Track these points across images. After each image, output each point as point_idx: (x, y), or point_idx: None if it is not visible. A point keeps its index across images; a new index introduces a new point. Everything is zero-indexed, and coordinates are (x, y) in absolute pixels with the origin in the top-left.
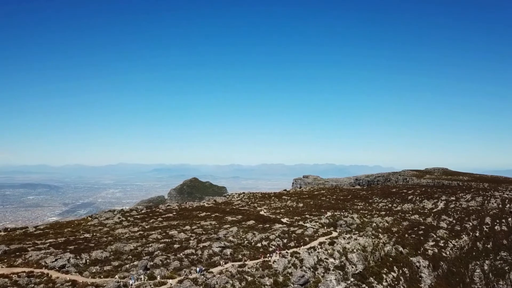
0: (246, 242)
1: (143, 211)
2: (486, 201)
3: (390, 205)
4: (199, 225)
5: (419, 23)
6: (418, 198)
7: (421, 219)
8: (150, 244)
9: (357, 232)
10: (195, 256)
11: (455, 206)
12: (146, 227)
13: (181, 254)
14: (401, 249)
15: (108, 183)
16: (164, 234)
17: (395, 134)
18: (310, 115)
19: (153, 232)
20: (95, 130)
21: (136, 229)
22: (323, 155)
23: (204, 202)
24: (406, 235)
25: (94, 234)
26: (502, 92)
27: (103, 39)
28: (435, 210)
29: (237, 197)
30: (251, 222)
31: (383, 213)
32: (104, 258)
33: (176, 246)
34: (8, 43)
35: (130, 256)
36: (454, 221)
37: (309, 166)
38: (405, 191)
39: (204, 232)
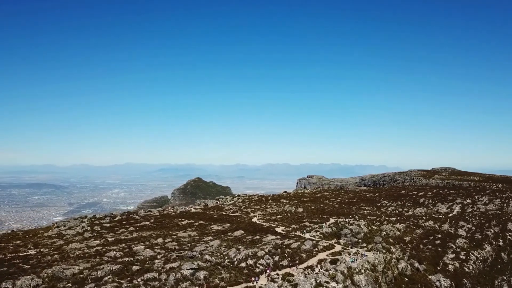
0: (227, 261)
1: (116, 218)
2: (505, 204)
3: (400, 209)
4: (175, 237)
5: (425, 21)
6: (430, 201)
7: (436, 226)
8: (103, 266)
9: (364, 244)
10: (157, 282)
11: (472, 210)
12: (110, 239)
13: (139, 279)
14: (417, 265)
15: (114, 183)
16: (126, 250)
17: (400, 134)
18: (314, 115)
19: (114, 247)
20: (101, 130)
21: (96, 242)
22: (328, 155)
23: (192, 207)
24: (421, 246)
25: (42, 249)
26: (504, 91)
27: (107, 39)
28: (450, 215)
29: (230, 201)
30: (239, 232)
31: (393, 219)
32: None
33: (135, 268)
34: (13, 43)
35: (70, 284)
36: (473, 228)
37: (314, 165)
38: (415, 192)
39: (177, 247)
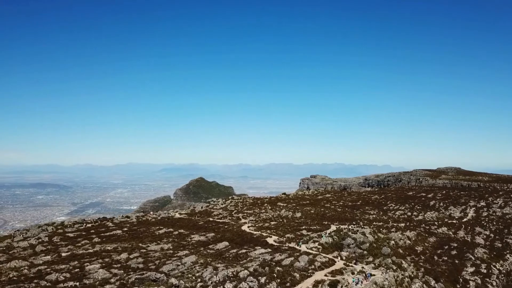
0: (199, 285)
1: (85, 226)
2: None
3: (409, 214)
4: (144, 250)
5: (429, 21)
6: (441, 204)
7: (451, 233)
8: None
9: (371, 257)
10: None
11: (488, 214)
12: (64, 254)
13: None
14: (433, 283)
15: (117, 182)
16: (76, 270)
17: (404, 133)
18: (318, 115)
19: (63, 266)
20: (105, 130)
21: (44, 259)
22: (332, 154)
23: (177, 212)
24: (436, 257)
25: None
26: (504, 90)
27: (109, 39)
28: (465, 219)
29: (221, 204)
30: (222, 244)
31: (402, 225)
32: None
33: None
34: (15, 43)
35: None
36: (492, 235)
37: (317, 165)
38: (424, 194)
39: (142, 265)
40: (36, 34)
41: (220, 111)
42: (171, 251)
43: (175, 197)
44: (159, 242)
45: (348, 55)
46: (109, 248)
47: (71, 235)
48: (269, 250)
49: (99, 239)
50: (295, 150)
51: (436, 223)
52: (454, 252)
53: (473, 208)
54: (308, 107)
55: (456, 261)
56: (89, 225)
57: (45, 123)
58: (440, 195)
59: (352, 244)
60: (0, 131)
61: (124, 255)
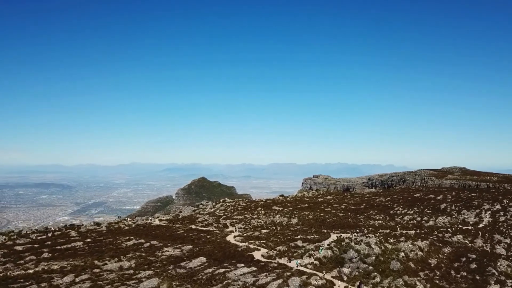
0: None
1: (44, 236)
2: None
3: (419, 219)
4: (97, 270)
5: (433, 20)
6: (453, 207)
7: (467, 242)
8: None
9: (378, 276)
10: None
11: (506, 219)
12: None
13: None
14: None
15: (120, 182)
16: None
17: (407, 133)
18: (322, 114)
19: None
20: (108, 130)
21: None
22: (335, 154)
23: (158, 217)
24: (453, 273)
25: None
26: (505, 90)
27: (113, 39)
28: (481, 225)
29: (210, 209)
30: (198, 261)
31: (412, 232)
32: None
33: None
34: (21, 43)
35: None
36: None
37: (321, 165)
38: (432, 196)
39: None
40: (39, 35)
41: (224, 111)
42: (132, 271)
43: (177, 197)
44: (121, 258)
45: (352, 54)
46: (55, 267)
47: (19, 248)
48: (254, 269)
49: (50, 254)
50: (298, 150)
51: (449, 229)
52: (473, 266)
53: (488, 212)
54: (311, 107)
55: (477, 277)
56: (50, 234)
57: (48, 123)
58: (450, 196)
59: (355, 257)
60: (3, 131)
61: (68, 278)
